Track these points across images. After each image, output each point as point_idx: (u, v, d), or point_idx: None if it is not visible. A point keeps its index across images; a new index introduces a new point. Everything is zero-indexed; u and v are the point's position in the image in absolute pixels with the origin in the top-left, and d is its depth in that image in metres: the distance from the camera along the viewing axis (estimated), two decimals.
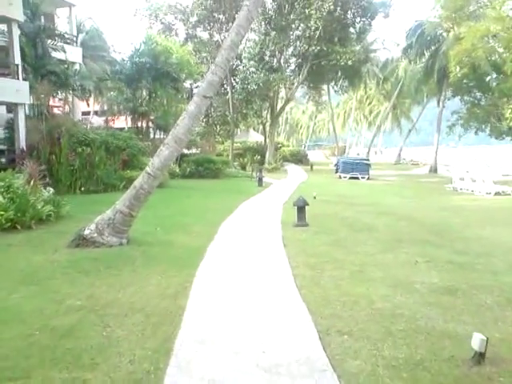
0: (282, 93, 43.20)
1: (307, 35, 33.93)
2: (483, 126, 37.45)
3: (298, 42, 36.25)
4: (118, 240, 7.74)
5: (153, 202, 13.19)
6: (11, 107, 18.27)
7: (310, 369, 3.90)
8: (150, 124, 26.24)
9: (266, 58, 36.26)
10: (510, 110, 30.27)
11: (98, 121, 34.37)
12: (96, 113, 37.03)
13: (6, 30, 17.83)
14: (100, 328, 4.65)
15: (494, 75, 35.68)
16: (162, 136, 25.14)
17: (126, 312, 5.12)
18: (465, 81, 35.66)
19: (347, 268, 7.08)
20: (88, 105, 30.31)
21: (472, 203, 17.90)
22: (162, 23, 38.62)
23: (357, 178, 30.83)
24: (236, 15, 8.00)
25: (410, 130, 59.51)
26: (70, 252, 7.47)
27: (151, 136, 26.21)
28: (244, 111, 39.31)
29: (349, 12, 34.57)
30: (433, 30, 36.72)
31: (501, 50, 31.89)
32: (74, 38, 26.41)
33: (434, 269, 7.12)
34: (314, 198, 16.04)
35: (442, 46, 35.94)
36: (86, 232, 7.71)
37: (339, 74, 40.06)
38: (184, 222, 11.02)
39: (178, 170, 24.52)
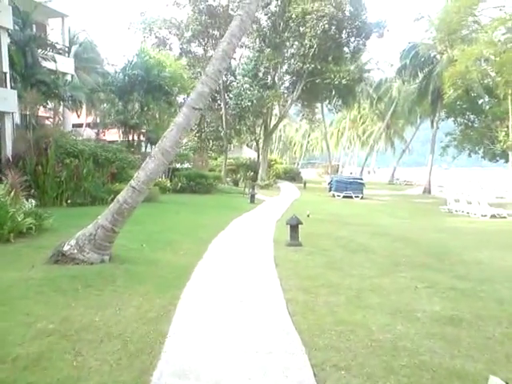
0: (276, 110, 43.12)
1: (301, 53, 33.93)
2: (476, 148, 37.54)
3: (293, 60, 36.24)
4: (99, 257, 7.24)
5: (141, 217, 12.77)
6: None
7: None
8: (142, 137, 25.84)
9: (260, 75, 36.19)
10: (503, 133, 30.35)
11: (90, 133, 33.96)
12: (89, 125, 36.58)
13: None
14: (71, 357, 4.17)
15: (487, 98, 35.94)
16: (153, 149, 24.72)
17: (101, 338, 4.65)
18: (458, 103, 35.88)
19: (343, 293, 6.64)
20: (78, 116, 29.89)
21: (468, 225, 17.61)
22: (156, 37, 38.54)
23: (350, 197, 30.56)
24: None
25: (403, 151, 59.65)
26: (48, 269, 6.95)
27: (143, 149, 25.79)
28: (237, 127, 39.14)
29: (343, 31, 34.63)
30: (427, 51, 36.99)
31: (493, 73, 32.11)
32: (66, 49, 26.08)
33: (435, 295, 6.70)
34: (308, 216, 15.68)
35: (435, 67, 36.17)
36: (66, 248, 7.22)
37: (333, 92, 39.99)
38: (172, 239, 10.54)
39: (169, 185, 24.06)
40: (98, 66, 34.91)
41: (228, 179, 36.90)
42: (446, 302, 6.40)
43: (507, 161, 33.15)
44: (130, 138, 25.25)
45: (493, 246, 12.26)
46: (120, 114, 24.39)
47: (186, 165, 30.31)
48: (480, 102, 36.12)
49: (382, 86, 53.35)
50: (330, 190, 33.21)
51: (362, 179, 35.31)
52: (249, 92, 34.34)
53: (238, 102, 34.58)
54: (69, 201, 15.18)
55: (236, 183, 36.12)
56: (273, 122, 41.59)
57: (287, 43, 35.39)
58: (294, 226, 10.56)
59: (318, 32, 31.85)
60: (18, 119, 18.91)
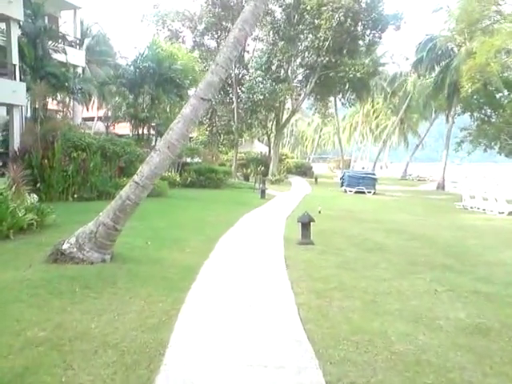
0: (288, 104, 42.50)
1: (316, 46, 33.27)
2: (492, 144, 36.63)
3: (307, 53, 35.62)
4: (100, 256, 6.87)
5: (147, 213, 12.45)
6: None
7: None
8: (152, 131, 25.52)
9: (273, 68, 35.58)
10: None
11: (101, 127, 33.77)
12: (100, 118, 36.41)
13: (4, 28, 17.22)
14: (60, 371, 3.78)
15: (506, 92, 34.97)
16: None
17: (96, 348, 4.26)
18: (475, 97, 34.94)
19: (358, 297, 6.19)
20: (88, 109, 29.65)
21: (485, 223, 16.97)
22: (169, 30, 38.25)
23: (363, 193, 29.96)
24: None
25: (417, 146, 58.66)
26: (46, 268, 6.60)
27: (153, 143, 25.48)
28: (249, 121, 38.59)
29: (359, 24, 33.88)
30: (445, 43, 36.05)
31: None
32: (78, 41, 25.82)
33: (458, 300, 6.22)
34: (319, 212, 15.24)
35: (453, 60, 35.29)
36: (65, 246, 6.86)
37: (347, 86, 39.24)
38: (179, 236, 10.14)
39: (178, 179, 23.75)
40: (111, 60, 34.68)
41: (238, 174, 36.52)
42: (470, 307, 5.92)
43: None
44: (140, 131, 24.93)
45: None
46: (130, 107, 24.08)
47: (196, 159, 29.96)
48: (498, 96, 35.11)
49: (397, 80, 52.51)
50: (342, 185, 32.64)
51: (374, 174, 34.70)
52: (261, 85, 33.79)
53: (250, 96, 34.06)
54: (75, 195, 14.91)
55: (246, 178, 35.72)
56: (285, 116, 41.04)
57: (301, 36, 34.72)
58: (306, 224, 10.10)
59: (334, 24, 31.23)
60: (28, 112, 18.71)
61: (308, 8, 31.92)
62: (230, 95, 37.93)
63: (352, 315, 5.44)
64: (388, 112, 61.53)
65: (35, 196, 10.41)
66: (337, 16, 31.09)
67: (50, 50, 18.98)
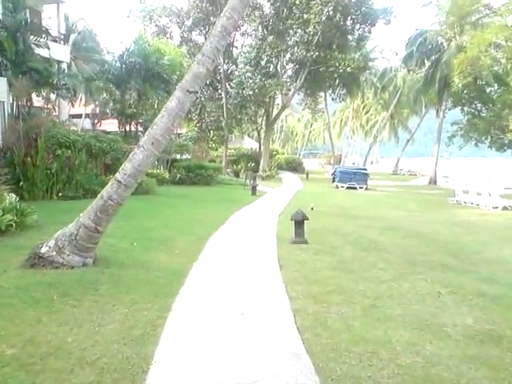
0: (278, 99, 42.05)
1: (305, 40, 32.82)
2: (483, 138, 36.56)
3: (296, 48, 35.15)
4: (81, 260, 6.40)
5: (134, 212, 11.98)
6: None
7: None
8: (140, 127, 24.97)
9: (263, 63, 35.00)
10: None
11: (89, 124, 33.16)
12: (88, 115, 35.74)
13: None
14: None
15: (496, 86, 34.89)
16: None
17: (72, 366, 3.82)
18: (465, 91, 34.83)
19: (358, 301, 5.80)
20: (73, 106, 29.03)
21: (480, 218, 16.72)
22: (156, 25, 37.58)
23: (354, 188, 29.70)
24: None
25: (408, 140, 58.56)
26: (22, 274, 6.12)
27: (140, 140, 24.94)
28: (239, 117, 38.17)
29: (349, 18, 33.54)
30: (435, 37, 35.85)
31: (504, 60, 31.02)
32: (62, 36, 25.16)
33: (463, 304, 5.86)
34: (312, 209, 14.87)
35: (443, 55, 35.09)
36: (44, 249, 6.39)
37: (337, 81, 38.92)
38: (167, 236, 9.69)
39: (167, 176, 23.23)
40: (98, 56, 34.01)
41: (229, 170, 36.08)
42: (477, 312, 5.56)
43: None
44: (128, 128, 24.37)
45: None
46: (117, 103, 23.52)
47: (186, 155, 29.46)
48: (488, 90, 35.01)
49: (387, 75, 52.36)
50: (334, 181, 32.40)
51: (366, 169, 34.51)
52: (250, 81, 33.32)
53: (240, 91, 33.58)
54: (60, 194, 14.33)
55: (237, 174, 35.30)
56: (275, 112, 40.61)
57: (290, 31, 34.21)
58: (300, 222, 9.70)
59: (323, 19, 30.86)
60: (10, 109, 18.09)
61: (297, 2, 31.46)
62: (219, 91, 37.43)
63: (352, 322, 5.06)
64: (378, 107, 61.37)
65: (14, 195, 9.87)
66: (326, 10, 30.74)
67: (33, 45, 18.33)
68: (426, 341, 4.57)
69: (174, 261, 7.64)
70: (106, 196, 6.37)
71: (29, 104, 19.09)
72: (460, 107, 37.04)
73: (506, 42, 27.18)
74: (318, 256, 8.45)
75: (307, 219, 9.77)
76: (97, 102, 30.23)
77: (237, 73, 35.54)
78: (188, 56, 34.49)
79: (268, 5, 34.90)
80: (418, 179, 46.33)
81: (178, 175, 24.33)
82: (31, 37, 18.35)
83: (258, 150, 42.39)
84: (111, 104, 24.60)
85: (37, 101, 22.21)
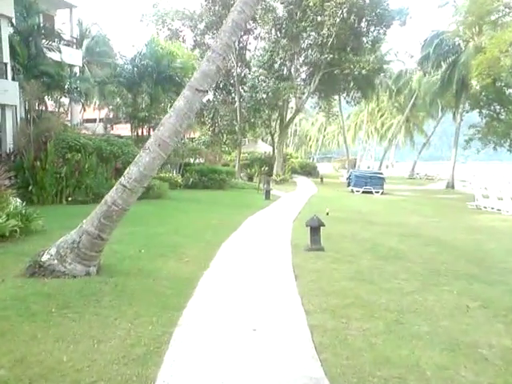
0: (292, 103, 41.65)
1: (319, 43, 32.39)
2: (502, 141, 35.72)
3: (310, 50, 34.73)
4: (83, 269, 6.04)
5: (145, 217, 11.67)
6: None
7: None
8: (152, 131, 24.74)
9: (276, 66, 34.69)
10: None
11: (102, 129, 33.11)
12: (102, 120, 35.74)
13: None
14: None
15: None
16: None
17: None
18: (484, 93, 34.07)
19: (380, 316, 5.34)
20: (85, 109, 28.96)
21: (502, 224, 16.08)
22: (169, 29, 37.64)
23: (370, 193, 29.12)
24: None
25: (424, 144, 57.68)
26: (21, 283, 5.77)
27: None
28: (252, 120, 37.81)
29: (363, 20, 33.01)
30: (452, 38, 35.13)
31: None
32: (75, 40, 25.11)
33: (497, 320, 5.36)
34: (327, 214, 14.41)
35: (461, 56, 34.35)
36: (45, 258, 6.04)
37: (351, 84, 38.41)
38: (177, 243, 9.30)
39: (180, 180, 22.95)
40: (111, 60, 34.02)
41: (242, 174, 35.73)
42: None
43: None
44: (140, 131, 24.18)
45: None
46: (129, 107, 23.35)
47: (199, 160, 29.20)
48: (508, 92, 34.17)
49: (402, 78, 51.64)
50: (349, 185, 31.86)
51: (382, 173, 33.88)
52: (264, 84, 33.02)
53: (253, 95, 33.28)
54: (69, 198, 14.11)
55: (250, 178, 34.95)
56: (289, 116, 40.18)
57: (304, 33, 33.82)
58: (315, 229, 9.25)
59: (337, 21, 30.38)
60: (23, 113, 17.98)
61: (311, 4, 31.01)
62: (233, 94, 37.18)
63: (375, 340, 4.61)
64: (393, 110, 60.58)
65: (19, 200, 9.59)
66: (340, 12, 30.26)
67: (45, 49, 18.22)
68: (459, 365, 4.10)
69: (183, 269, 7.26)
70: (110, 201, 6.01)
71: (41, 108, 19.00)
72: (478, 110, 36.24)
73: None
74: (335, 264, 7.98)
75: (323, 225, 9.32)
76: (110, 107, 30.17)
77: (250, 76, 35.27)
78: (201, 59, 34.26)
79: (281, 7, 34.51)
80: (435, 183, 45.52)
81: (191, 179, 24.06)
82: (43, 41, 18.26)
83: (271, 153, 41.98)
84: (123, 108, 24.45)
85: (50, 105, 22.16)
